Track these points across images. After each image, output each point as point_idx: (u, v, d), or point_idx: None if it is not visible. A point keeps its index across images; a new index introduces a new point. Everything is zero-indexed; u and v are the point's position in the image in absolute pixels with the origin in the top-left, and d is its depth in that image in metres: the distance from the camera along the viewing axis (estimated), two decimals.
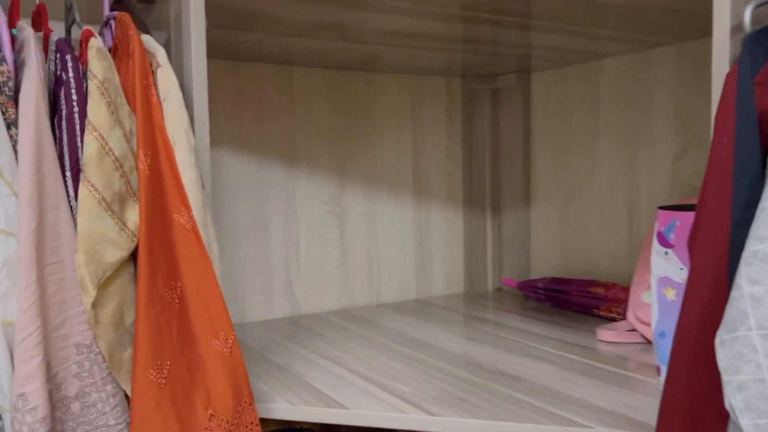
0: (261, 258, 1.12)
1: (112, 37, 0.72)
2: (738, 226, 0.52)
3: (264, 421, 0.72)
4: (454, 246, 1.32)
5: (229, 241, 1.08)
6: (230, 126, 1.08)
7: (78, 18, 0.73)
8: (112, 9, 0.79)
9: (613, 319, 1.04)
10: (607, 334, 0.93)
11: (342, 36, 0.93)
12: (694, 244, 0.55)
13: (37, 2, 0.73)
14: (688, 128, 1.01)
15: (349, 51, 1.03)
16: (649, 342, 0.91)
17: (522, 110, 1.28)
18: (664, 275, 0.71)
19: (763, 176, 0.51)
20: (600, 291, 1.07)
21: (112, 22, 0.74)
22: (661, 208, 0.73)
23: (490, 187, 1.32)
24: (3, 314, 0.55)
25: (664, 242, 0.71)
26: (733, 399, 0.47)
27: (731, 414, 0.47)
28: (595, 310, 1.07)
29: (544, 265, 1.29)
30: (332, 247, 1.19)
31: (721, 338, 0.49)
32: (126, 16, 0.70)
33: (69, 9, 0.75)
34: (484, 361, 0.85)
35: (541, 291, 1.17)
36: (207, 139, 0.70)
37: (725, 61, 0.55)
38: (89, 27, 0.69)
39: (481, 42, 1.00)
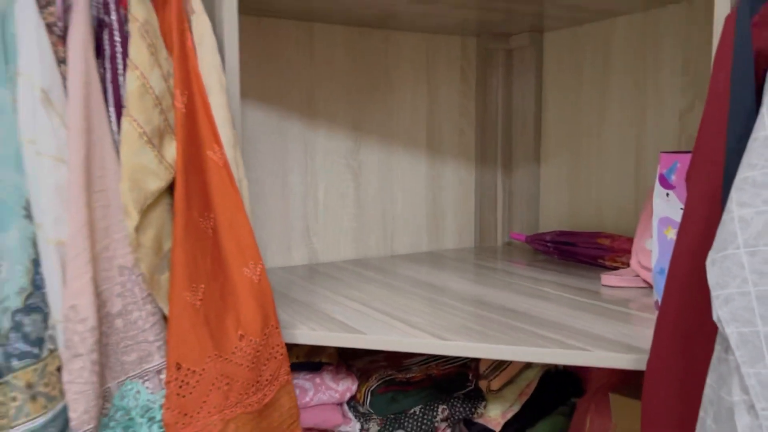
0: (281, 208, 1.17)
1: None
2: (732, 157, 0.56)
3: (288, 348, 0.77)
4: (465, 201, 1.37)
5: (251, 191, 1.13)
6: (253, 81, 1.12)
7: None
8: None
9: (618, 269, 1.08)
10: (611, 278, 0.98)
11: None
12: (691, 176, 0.60)
13: None
14: (696, 84, 1.04)
15: (368, 7, 1.07)
16: (651, 287, 0.96)
17: (534, 69, 1.31)
18: (664, 216, 0.76)
19: (757, 110, 0.55)
20: (606, 242, 1.11)
21: None
22: (664, 153, 0.77)
23: (501, 144, 1.36)
24: (57, 235, 0.60)
25: (665, 184, 0.75)
26: (720, 311, 0.52)
27: (718, 324, 0.52)
28: (601, 260, 1.11)
29: (552, 220, 1.33)
30: (348, 199, 1.23)
31: (712, 258, 0.53)
32: None
33: None
34: (491, 300, 0.91)
35: (549, 243, 1.22)
36: (237, 84, 0.75)
37: (727, 6, 0.59)
38: None
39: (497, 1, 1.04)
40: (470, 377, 1.03)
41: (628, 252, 1.07)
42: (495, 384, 1.02)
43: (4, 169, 0.58)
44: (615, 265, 1.09)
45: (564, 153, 1.29)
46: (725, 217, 0.53)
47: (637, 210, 1.16)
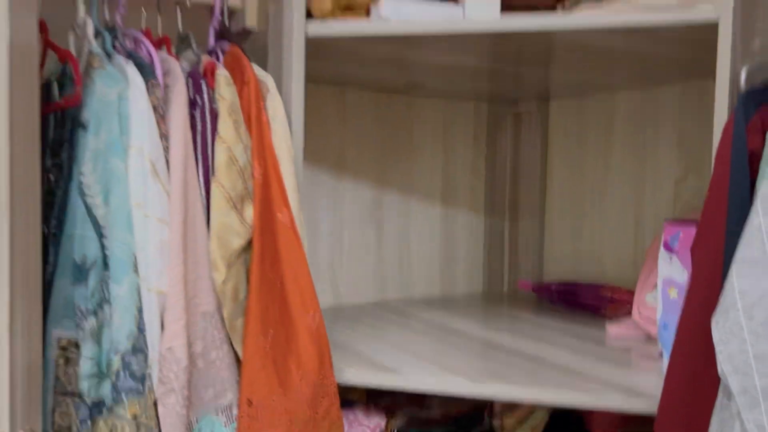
0: (310, 254, 1.27)
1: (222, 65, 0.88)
2: (731, 237, 0.68)
3: None
4: (475, 250, 1.48)
5: None
6: None
7: (195, 48, 0.88)
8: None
9: (618, 318, 1.19)
10: (614, 328, 1.09)
11: (397, 67, 1.09)
12: (696, 249, 0.72)
13: (161, 35, 0.88)
14: (689, 156, 1.18)
15: (398, 78, 1.19)
16: (651, 337, 1.07)
17: (541, 134, 1.44)
18: (668, 277, 0.88)
19: (751, 200, 0.67)
20: (608, 293, 1.23)
21: (218, 52, 0.89)
22: (667, 221, 0.89)
23: (509, 200, 1.48)
24: (158, 285, 0.70)
25: (669, 249, 0.87)
26: (724, 365, 0.63)
27: (722, 377, 0.63)
28: (603, 310, 1.23)
29: (556, 271, 1.45)
30: (371, 247, 1.34)
31: (716, 319, 0.65)
32: (238, 49, 0.85)
33: (184, 39, 0.90)
34: (506, 344, 1.01)
35: (554, 293, 1.33)
36: (301, 153, 0.86)
37: (724, 114, 0.71)
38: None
39: (507, 76, 1.16)
40: (485, 416, 1.13)
41: (628, 303, 1.18)
42: (508, 423, 1.12)
43: (119, 230, 0.68)
44: (616, 315, 1.20)
45: (567, 210, 1.41)
46: (727, 286, 0.65)
47: (635, 264, 1.28)
